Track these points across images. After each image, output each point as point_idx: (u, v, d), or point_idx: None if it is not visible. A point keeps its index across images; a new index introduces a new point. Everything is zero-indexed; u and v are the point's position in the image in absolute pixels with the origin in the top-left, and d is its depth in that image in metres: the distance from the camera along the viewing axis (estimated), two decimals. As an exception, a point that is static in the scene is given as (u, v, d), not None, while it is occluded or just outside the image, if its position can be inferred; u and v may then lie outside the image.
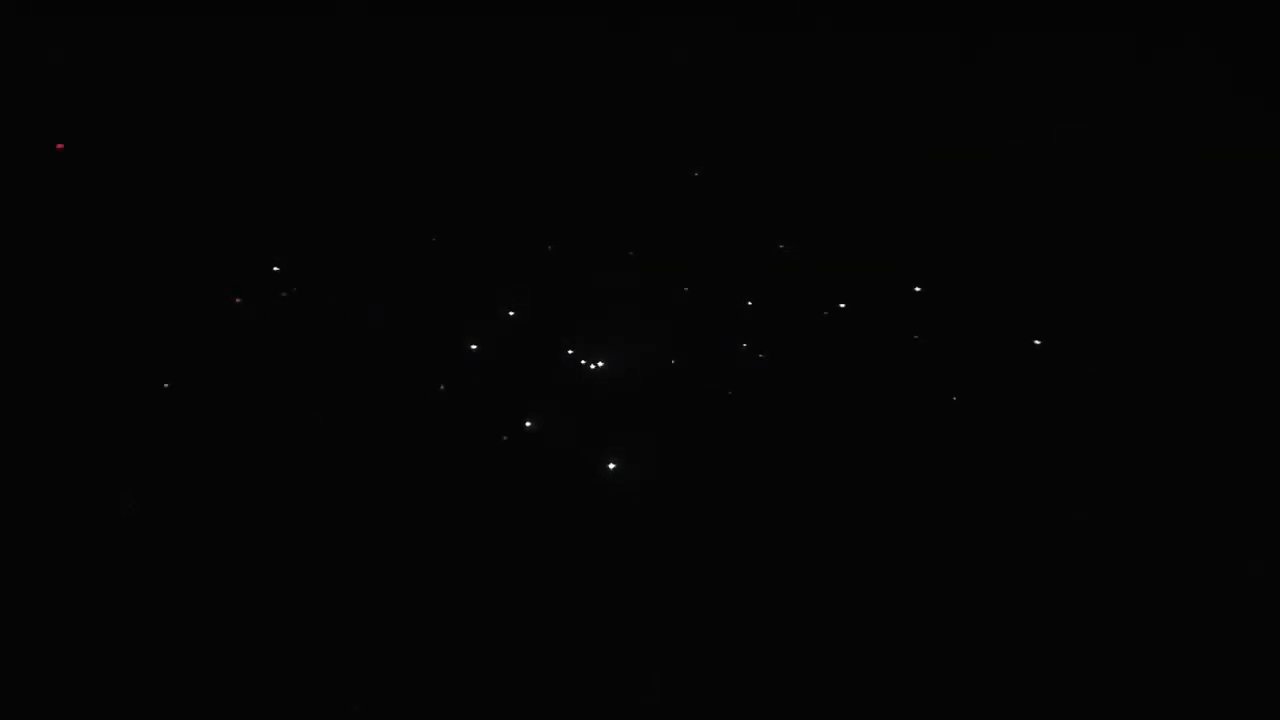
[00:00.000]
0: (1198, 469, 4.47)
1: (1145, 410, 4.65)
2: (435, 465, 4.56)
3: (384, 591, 4.22)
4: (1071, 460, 4.54)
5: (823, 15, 5.43)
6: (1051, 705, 4.01)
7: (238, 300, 4.94)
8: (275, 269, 5.05)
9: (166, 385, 4.66)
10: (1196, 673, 4.01)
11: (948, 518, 4.44)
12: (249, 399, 4.67)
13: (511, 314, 5.04)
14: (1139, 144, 5.21)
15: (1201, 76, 5.23)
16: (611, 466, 4.59)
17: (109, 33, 5.24)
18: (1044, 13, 5.31)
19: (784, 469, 4.58)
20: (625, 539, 4.42)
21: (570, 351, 4.93)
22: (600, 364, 4.91)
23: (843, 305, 5.05)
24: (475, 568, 4.31)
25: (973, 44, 5.41)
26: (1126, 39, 5.29)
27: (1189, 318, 4.87)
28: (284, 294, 5.00)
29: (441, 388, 4.81)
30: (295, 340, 4.87)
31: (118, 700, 3.93)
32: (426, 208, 5.26)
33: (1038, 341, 4.89)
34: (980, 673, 4.08)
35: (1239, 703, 3.96)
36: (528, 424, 4.70)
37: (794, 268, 5.18)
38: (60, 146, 4.49)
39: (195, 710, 3.93)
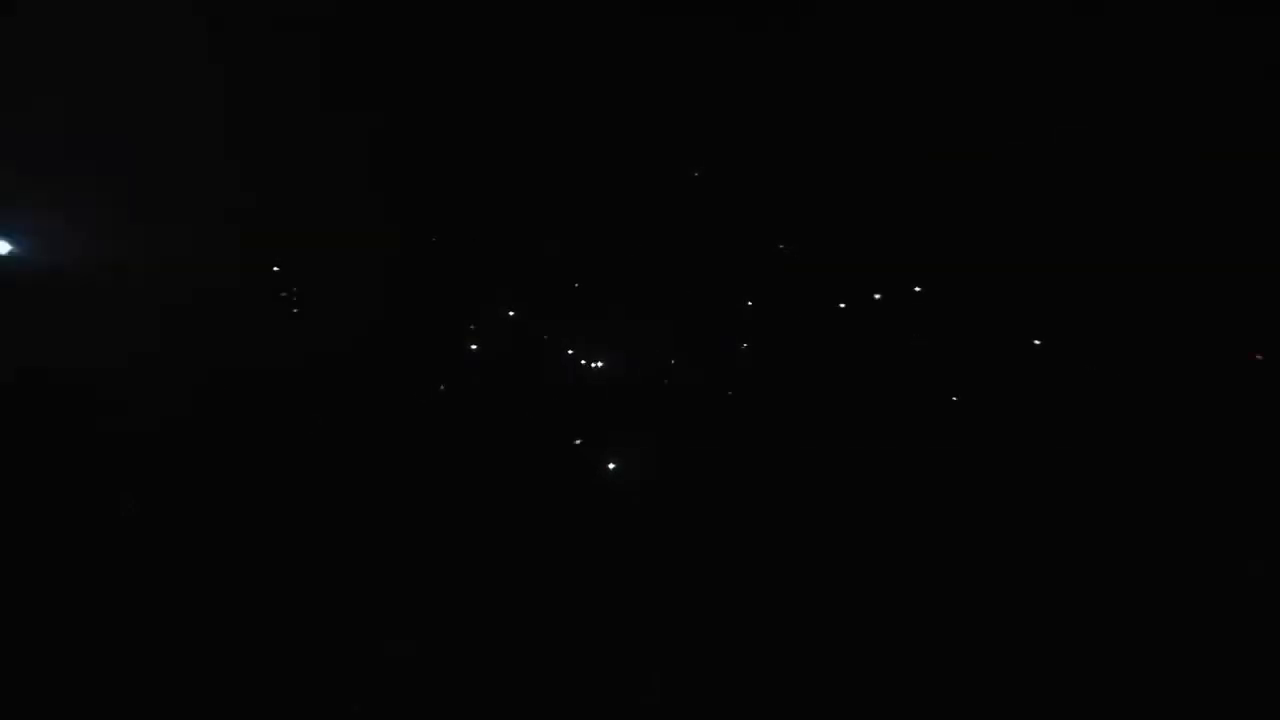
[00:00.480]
0: (1198, 469, 4.47)
1: (1145, 410, 4.65)
2: (435, 465, 4.56)
3: (384, 591, 4.22)
4: (1071, 460, 4.54)
5: (823, 15, 5.43)
6: (1051, 705, 4.00)
7: (237, 300, 4.95)
8: (275, 269, 5.05)
9: (167, 385, 4.66)
10: (1197, 672, 4.01)
11: (948, 517, 4.44)
12: (249, 399, 4.67)
13: (511, 314, 5.04)
14: (1139, 144, 5.21)
15: (1201, 76, 5.23)
16: (611, 466, 4.59)
17: (108, 32, 5.24)
18: (1044, 13, 5.31)
19: (783, 468, 4.58)
20: (625, 539, 4.42)
21: (570, 351, 4.93)
22: (600, 364, 4.91)
23: (843, 305, 5.06)
24: (476, 567, 4.30)
25: (973, 44, 5.41)
26: (1126, 39, 5.29)
27: (1189, 317, 4.87)
28: (284, 294, 5.01)
29: (441, 388, 4.81)
30: (295, 340, 4.88)
31: (118, 700, 3.92)
32: (426, 208, 5.26)
33: (1038, 341, 4.88)
34: (980, 672, 4.08)
35: (1239, 702, 3.95)
36: (528, 424, 4.70)
37: (794, 268, 5.18)
38: None
39: (195, 710, 3.93)
